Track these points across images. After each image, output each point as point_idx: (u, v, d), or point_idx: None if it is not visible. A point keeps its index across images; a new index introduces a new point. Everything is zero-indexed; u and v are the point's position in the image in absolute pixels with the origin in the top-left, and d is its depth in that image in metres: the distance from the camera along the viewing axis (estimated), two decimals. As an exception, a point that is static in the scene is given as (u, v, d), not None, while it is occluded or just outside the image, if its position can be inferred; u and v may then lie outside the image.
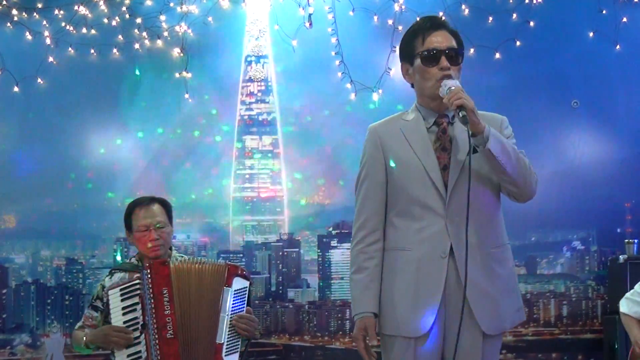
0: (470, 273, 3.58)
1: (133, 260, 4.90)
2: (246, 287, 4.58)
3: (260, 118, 8.12)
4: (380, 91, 7.77)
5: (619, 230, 7.88)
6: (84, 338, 4.60)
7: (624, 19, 7.79)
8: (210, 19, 7.90)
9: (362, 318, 3.75)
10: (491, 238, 3.68)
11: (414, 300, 3.68)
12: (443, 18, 3.89)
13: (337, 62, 7.81)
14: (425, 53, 3.68)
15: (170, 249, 4.90)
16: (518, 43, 7.77)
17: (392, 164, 3.75)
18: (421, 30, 3.75)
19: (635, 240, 7.50)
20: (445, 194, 3.66)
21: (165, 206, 4.90)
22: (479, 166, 3.61)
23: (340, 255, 7.89)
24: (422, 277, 3.66)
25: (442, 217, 3.65)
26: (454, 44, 3.72)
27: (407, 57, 3.80)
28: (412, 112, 3.83)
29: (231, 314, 4.49)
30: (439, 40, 3.69)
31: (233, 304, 4.50)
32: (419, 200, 3.69)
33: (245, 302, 4.57)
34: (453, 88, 3.55)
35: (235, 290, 4.51)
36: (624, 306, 5.34)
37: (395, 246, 3.76)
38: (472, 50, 7.62)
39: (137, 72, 7.97)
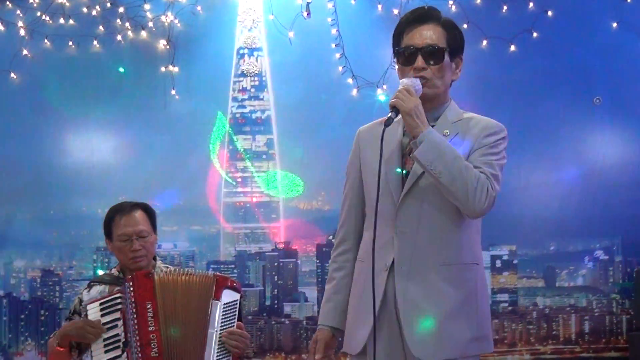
0: (408, 289, 3.61)
1: (114, 271, 4.82)
2: (236, 300, 4.52)
3: (253, 116, 8.11)
4: (384, 87, 7.74)
5: (645, 238, 7.88)
6: (57, 336, 4.54)
7: (651, 8, 7.78)
8: (199, 8, 7.92)
9: (317, 330, 3.89)
10: (443, 254, 3.63)
11: (355, 315, 3.76)
12: (435, 8, 3.81)
13: (338, 56, 7.81)
14: (401, 51, 3.71)
15: (155, 258, 4.80)
16: (535, 34, 7.77)
17: (398, 170, 3.72)
18: (404, 25, 3.75)
19: (663, 250, 7.52)
20: (396, 202, 3.66)
21: (149, 213, 4.81)
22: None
23: (341, 266, 7.84)
24: (366, 291, 3.65)
25: (392, 227, 3.66)
26: (438, 40, 3.67)
27: (394, 54, 3.81)
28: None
29: (220, 330, 4.44)
30: (418, 36, 3.68)
31: (222, 318, 4.45)
32: (376, 208, 3.67)
33: (236, 316, 4.50)
34: (400, 87, 3.57)
35: (224, 304, 4.46)
36: None
37: (359, 257, 3.82)
38: (484, 43, 7.63)
39: (121, 69, 7.96)
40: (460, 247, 3.69)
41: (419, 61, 3.64)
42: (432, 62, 3.65)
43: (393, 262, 3.64)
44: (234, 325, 4.50)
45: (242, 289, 4.71)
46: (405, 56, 3.68)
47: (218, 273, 4.62)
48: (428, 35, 3.68)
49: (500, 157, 3.69)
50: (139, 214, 4.78)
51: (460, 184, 3.52)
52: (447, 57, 3.68)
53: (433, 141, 3.50)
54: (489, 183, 3.57)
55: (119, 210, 4.79)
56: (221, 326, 4.45)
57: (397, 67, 3.80)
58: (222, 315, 4.47)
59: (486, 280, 3.87)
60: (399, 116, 3.70)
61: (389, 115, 3.51)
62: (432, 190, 3.60)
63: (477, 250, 3.77)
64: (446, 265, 3.63)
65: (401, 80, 3.62)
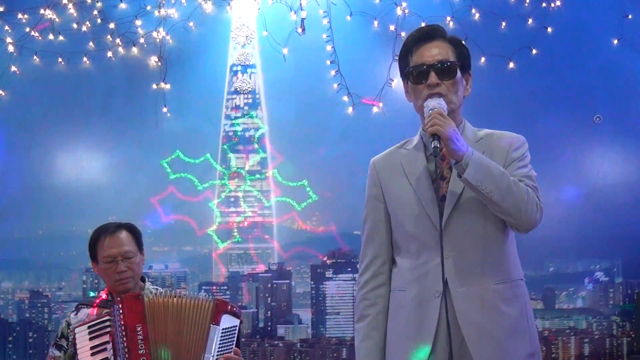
0: (468, 311, 3.58)
1: (102, 294, 4.77)
2: (236, 325, 4.49)
3: (247, 134, 8.10)
4: (380, 104, 7.72)
5: (646, 260, 7.85)
6: None
7: (652, 25, 7.77)
8: (191, 24, 7.93)
9: None
10: (494, 273, 3.61)
11: (407, 344, 3.68)
12: (440, 26, 3.78)
13: (333, 73, 7.80)
14: (413, 70, 3.66)
15: (144, 280, 4.78)
16: (534, 51, 7.78)
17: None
18: (410, 44, 3.71)
19: (665, 272, 7.50)
20: (440, 226, 3.59)
21: (134, 233, 4.78)
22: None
23: (335, 287, 7.84)
24: (415, 319, 3.66)
25: (437, 252, 3.58)
26: (448, 56, 3.66)
27: (402, 74, 3.76)
28: (415, 139, 3.79)
29: (217, 355, 4.40)
30: (429, 53, 3.65)
31: (220, 344, 4.41)
32: (415, 236, 3.68)
33: (234, 342, 4.47)
34: (431, 111, 3.52)
35: (223, 329, 4.42)
36: None
37: (396, 287, 3.77)
38: (483, 60, 7.60)
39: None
40: (508, 263, 3.68)
41: (432, 77, 3.60)
42: (445, 78, 3.63)
43: (444, 287, 3.60)
44: (231, 352, 4.45)
45: (241, 313, 4.65)
46: (416, 75, 3.63)
47: (218, 297, 4.58)
48: (437, 51, 3.65)
49: (531, 168, 3.67)
50: (123, 235, 4.75)
51: (512, 199, 3.52)
52: (458, 72, 3.66)
53: (479, 161, 3.49)
54: (535, 195, 3.58)
55: (104, 231, 4.76)
56: (218, 352, 4.41)
57: (408, 87, 3.73)
58: (220, 340, 4.43)
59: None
60: (415, 142, 3.71)
61: (435, 145, 3.45)
62: (472, 210, 3.60)
63: (519, 265, 3.74)
64: (500, 284, 3.62)
65: (426, 103, 3.57)
